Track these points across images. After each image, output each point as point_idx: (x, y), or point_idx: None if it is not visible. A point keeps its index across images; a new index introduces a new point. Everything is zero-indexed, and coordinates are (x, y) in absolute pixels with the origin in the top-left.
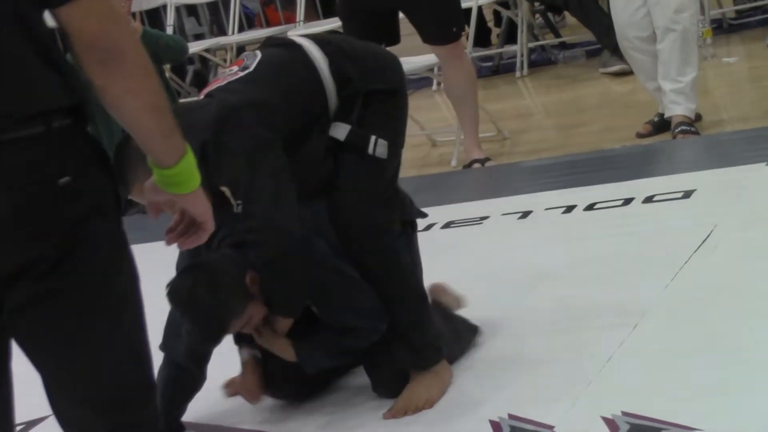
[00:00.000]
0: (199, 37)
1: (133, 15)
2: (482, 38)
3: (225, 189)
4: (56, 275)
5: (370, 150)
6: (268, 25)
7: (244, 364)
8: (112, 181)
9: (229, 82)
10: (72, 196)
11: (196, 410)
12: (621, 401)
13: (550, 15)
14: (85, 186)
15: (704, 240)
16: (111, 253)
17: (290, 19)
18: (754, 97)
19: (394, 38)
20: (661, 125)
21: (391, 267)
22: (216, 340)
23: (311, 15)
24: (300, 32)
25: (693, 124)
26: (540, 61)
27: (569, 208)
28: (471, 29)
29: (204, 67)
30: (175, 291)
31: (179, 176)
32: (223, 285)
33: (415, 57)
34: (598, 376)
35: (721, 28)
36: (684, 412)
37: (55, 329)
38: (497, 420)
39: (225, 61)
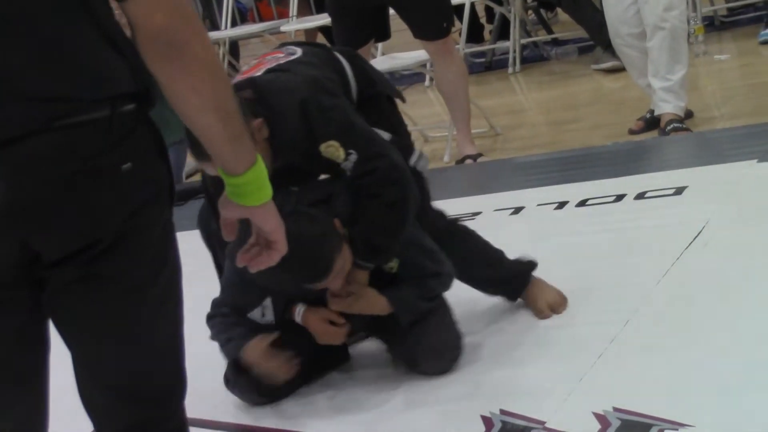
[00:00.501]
0: None
1: None
2: (475, 34)
3: (331, 144)
4: (107, 259)
5: (413, 162)
6: (261, 20)
7: (304, 314)
8: (168, 170)
9: (288, 62)
10: (133, 182)
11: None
12: (612, 397)
13: (542, 11)
14: (147, 173)
15: (696, 236)
16: (161, 243)
17: (283, 14)
18: (746, 94)
19: (385, 34)
20: (653, 122)
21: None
22: (323, 278)
23: (304, 10)
24: (293, 27)
25: (683, 121)
26: (532, 58)
27: (561, 204)
28: (464, 25)
29: None
30: None
31: (247, 186)
32: (324, 223)
33: (407, 53)
34: (590, 372)
35: (713, 25)
36: (675, 408)
37: (96, 312)
38: (489, 415)
39: (218, 55)
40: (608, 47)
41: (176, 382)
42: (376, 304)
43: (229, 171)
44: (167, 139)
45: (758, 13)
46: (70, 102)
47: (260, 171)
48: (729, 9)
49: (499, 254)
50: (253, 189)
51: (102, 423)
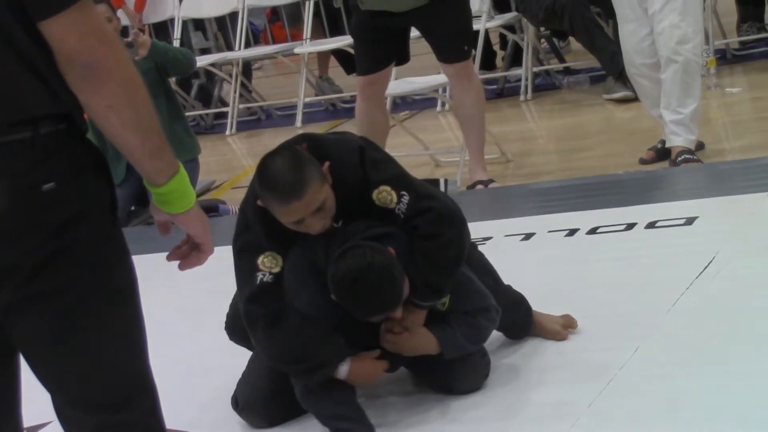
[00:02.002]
0: (205, 51)
1: (141, 29)
2: (487, 61)
3: (383, 189)
4: (42, 278)
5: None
6: (274, 42)
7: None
8: (107, 187)
9: None
10: (56, 201)
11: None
12: (621, 424)
13: (555, 40)
14: (73, 192)
15: (706, 267)
16: (101, 257)
17: (296, 37)
18: (757, 127)
19: (405, 57)
20: (664, 152)
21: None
22: (396, 306)
23: (318, 33)
24: (307, 49)
25: (694, 153)
26: (544, 86)
27: (572, 231)
28: (478, 52)
29: (209, 82)
30: (349, 271)
31: (169, 195)
32: (388, 254)
33: (421, 77)
34: (599, 398)
35: (725, 58)
36: None
37: (42, 331)
38: None
39: (230, 76)
40: (619, 77)
41: (137, 389)
42: (427, 344)
43: (150, 182)
44: (180, 158)
45: None
46: None
47: (181, 181)
48: (741, 42)
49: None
50: (174, 198)
51: (71, 429)
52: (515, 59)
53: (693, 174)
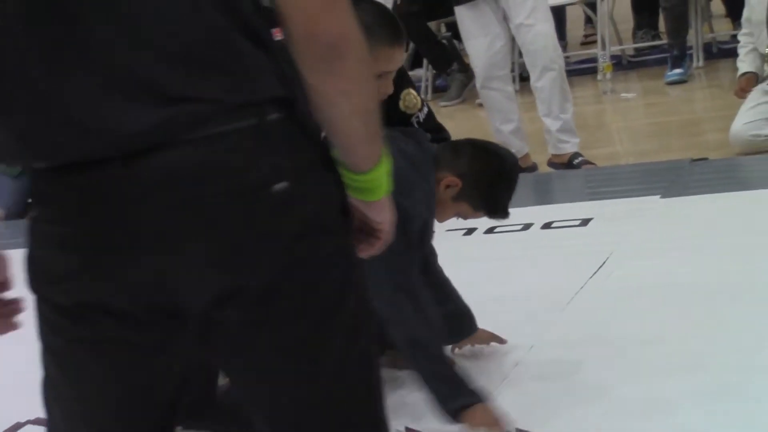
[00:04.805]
0: None
1: None
2: None
3: (411, 91)
4: (266, 304)
5: None
6: None
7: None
8: (338, 189)
9: None
10: (287, 206)
11: None
12: (516, 419)
13: (455, 42)
14: (305, 194)
15: (600, 266)
16: (335, 278)
17: None
18: (650, 132)
19: None
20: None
21: None
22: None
23: None
24: None
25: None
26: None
27: (470, 230)
28: None
29: None
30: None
31: (372, 182)
32: None
33: None
34: (494, 395)
35: (620, 64)
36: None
37: (257, 366)
38: None
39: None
40: None
41: None
42: None
43: (357, 169)
44: None
45: (664, 55)
46: (210, 105)
47: (385, 167)
48: (636, 49)
49: None
50: (376, 185)
51: None
52: (416, 60)
53: (588, 177)
